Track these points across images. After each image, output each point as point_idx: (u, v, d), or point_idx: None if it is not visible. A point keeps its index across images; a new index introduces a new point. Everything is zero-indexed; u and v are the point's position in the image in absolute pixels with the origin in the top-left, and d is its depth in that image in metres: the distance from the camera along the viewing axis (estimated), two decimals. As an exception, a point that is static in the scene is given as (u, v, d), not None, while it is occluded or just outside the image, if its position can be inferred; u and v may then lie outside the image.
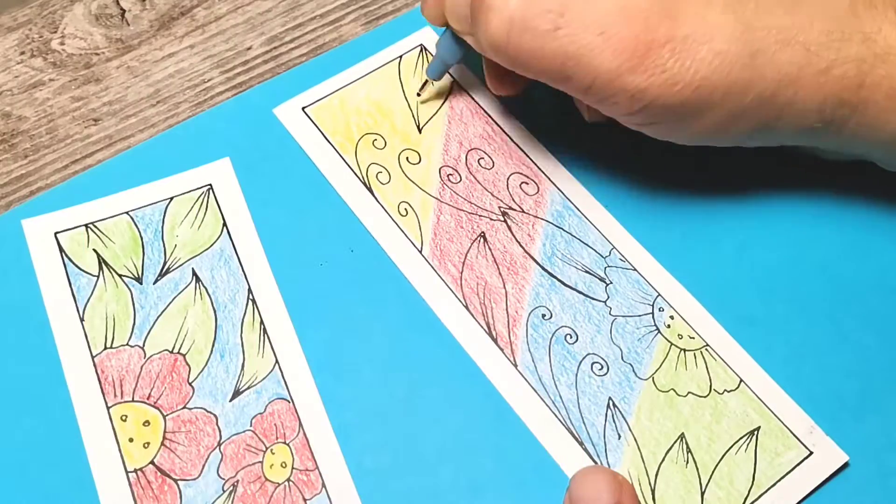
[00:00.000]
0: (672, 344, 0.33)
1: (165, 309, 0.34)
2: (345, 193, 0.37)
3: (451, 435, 0.32)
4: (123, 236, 0.35)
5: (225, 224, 0.36)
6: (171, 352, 0.33)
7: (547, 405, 0.32)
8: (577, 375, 0.33)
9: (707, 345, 0.33)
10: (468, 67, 0.39)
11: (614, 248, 0.35)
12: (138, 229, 0.36)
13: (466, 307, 0.34)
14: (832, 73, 0.30)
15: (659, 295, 0.34)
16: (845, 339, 0.33)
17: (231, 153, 0.37)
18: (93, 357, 0.33)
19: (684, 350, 0.33)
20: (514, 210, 0.36)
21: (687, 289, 0.34)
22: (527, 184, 0.37)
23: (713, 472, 0.31)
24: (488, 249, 0.35)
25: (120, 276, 0.34)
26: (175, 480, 0.31)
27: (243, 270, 0.35)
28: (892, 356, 0.33)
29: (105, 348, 0.33)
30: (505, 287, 0.34)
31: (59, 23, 0.42)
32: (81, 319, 0.33)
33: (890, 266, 0.35)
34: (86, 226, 0.36)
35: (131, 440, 0.31)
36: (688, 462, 0.31)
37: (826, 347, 0.33)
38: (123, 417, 0.32)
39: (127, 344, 0.33)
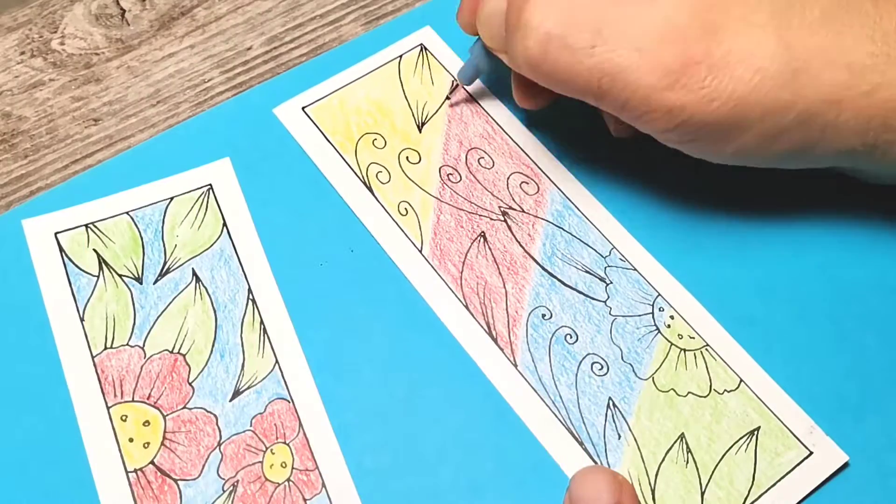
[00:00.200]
0: (672, 344, 0.33)
1: (165, 309, 0.34)
2: (345, 193, 0.37)
3: (451, 435, 0.32)
4: (123, 236, 0.35)
5: (225, 224, 0.36)
6: (171, 352, 0.33)
7: (547, 405, 0.32)
8: (577, 375, 0.33)
9: (707, 345, 0.33)
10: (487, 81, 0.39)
11: (614, 247, 0.35)
12: (138, 229, 0.36)
13: (466, 307, 0.34)
14: (877, 95, 0.30)
15: (659, 295, 0.34)
16: (845, 339, 0.33)
17: (231, 153, 0.37)
18: (93, 357, 0.33)
19: (684, 350, 0.33)
20: (515, 210, 0.36)
21: (687, 289, 0.34)
22: (527, 183, 0.37)
23: (713, 472, 0.31)
24: (488, 249, 0.35)
25: (120, 276, 0.34)
26: (175, 480, 0.31)
27: (243, 270, 0.35)
28: (892, 356, 0.33)
29: (105, 348, 0.33)
30: (505, 287, 0.34)
31: (59, 23, 0.42)
32: (81, 319, 0.33)
33: (890, 266, 0.35)
34: (86, 226, 0.36)
35: (131, 440, 0.31)
36: (688, 462, 0.31)
37: (826, 347, 0.33)
38: (123, 417, 0.32)
39: (127, 344, 0.33)
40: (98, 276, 0.34)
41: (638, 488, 0.31)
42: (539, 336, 0.33)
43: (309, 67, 0.40)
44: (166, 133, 0.38)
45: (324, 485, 0.31)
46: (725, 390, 0.32)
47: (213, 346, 0.33)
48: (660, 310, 0.34)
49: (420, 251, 0.35)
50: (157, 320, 0.33)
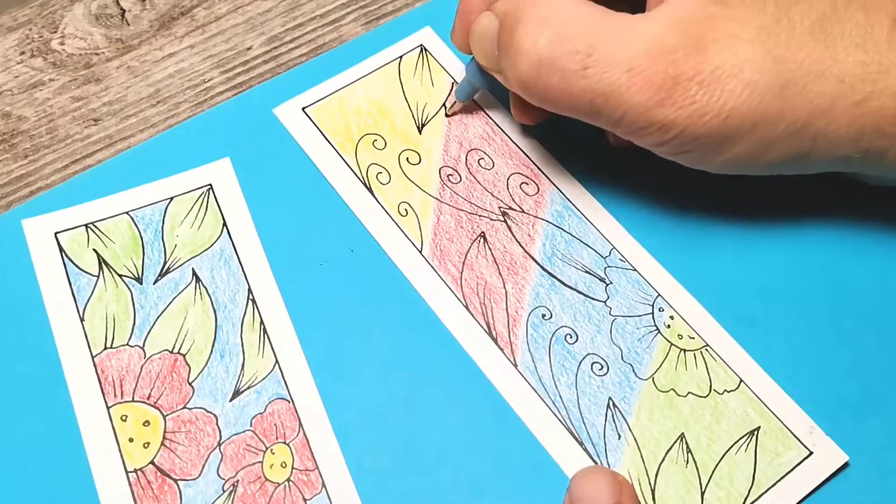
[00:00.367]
0: (672, 344, 0.33)
1: (165, 309, 0.34)
2: (345, 193, 0.37)
3: (451, 435, 0.32)
4: (123, 236, 0.35)
5: (225, 224, 0.36)
6: (171, 352, 0.33)
7: (547, 405, 0.32)
8: (577, 375, 0.33)
9: (707, 345, 0.33)
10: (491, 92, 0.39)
11: (614, 248, 0.35)
12: (138, 229, 0.36)
13: (466, 307, 0.34)
14: (869, 104, 0.30)
15: (659, 295, 0.34)
16: (845, 339, 0.33)
17: (231, 153, 0.37)
18: (93, 357, 0.33)
19: (684, 350, 0.33)
20: (514, 210, 0.36)
21: (687, 289, 0.34)
22: (527, 184, 0.37)
23: (713, 472, 0.31)
24: (488, 249, 0.35)
25: (120, 276, 0.34)
26: (175, 480, 0.31)
27: (243, 270, 0.35)
28: (892, 356, 0.33)
29: (105, 348, 0.33)
30: (505, 287, 0.35)
31: (59, 23, 0.42)
32: (81, 319, 0.33)
33: (890, 266, 0.35)
34: (86, 226, 0.36)
35: (131, 440, 0.31)
36: (688, 462, 0.31)
37: (826, 347, 0.33)
38: (123, 417, 0.32)
39: (127, 344, 0.33)
40: (98, 276, 0.34)
41: (638, 488, 0.31)
42: (539, 336, 0.34)
43: (309, 67, 0.40)
44: (166, 133, 0.38)
45: (324, 485, 0.31)
46: (725, 390, 0.32)
47: (213, 346, 0.33)
48: (660, 310, 0.34)
49: (420, 251, 0.35)
50: (157, 320, 0.33)
